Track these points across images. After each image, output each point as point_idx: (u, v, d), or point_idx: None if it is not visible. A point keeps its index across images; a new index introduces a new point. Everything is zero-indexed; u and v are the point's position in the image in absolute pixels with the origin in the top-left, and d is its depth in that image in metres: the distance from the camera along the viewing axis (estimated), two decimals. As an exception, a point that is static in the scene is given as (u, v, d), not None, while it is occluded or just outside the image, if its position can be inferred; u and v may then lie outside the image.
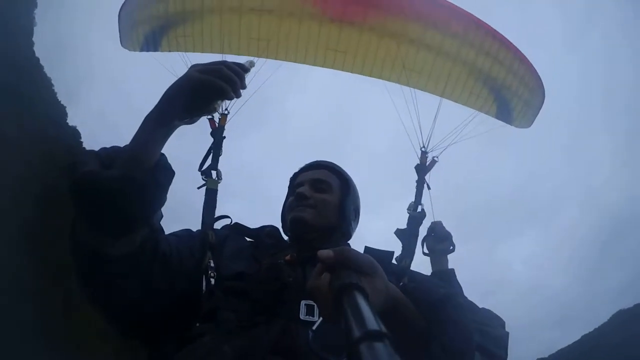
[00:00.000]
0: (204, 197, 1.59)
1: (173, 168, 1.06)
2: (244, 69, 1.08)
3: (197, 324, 1.07)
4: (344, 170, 1.56)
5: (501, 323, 1.40)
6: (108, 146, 1.05)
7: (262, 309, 1.06)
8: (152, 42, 2.61)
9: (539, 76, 2.57)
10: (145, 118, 1.02)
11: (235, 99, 1.09)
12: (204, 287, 1.15)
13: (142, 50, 2.66)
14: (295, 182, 1.51)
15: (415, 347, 0.89)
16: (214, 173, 1.65)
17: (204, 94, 1.02)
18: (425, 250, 2.19)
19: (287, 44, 2.17)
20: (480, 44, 2.33)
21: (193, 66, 1.07)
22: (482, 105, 2.39)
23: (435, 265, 2.16)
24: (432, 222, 2.26)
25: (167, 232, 1.19)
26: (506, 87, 2.43)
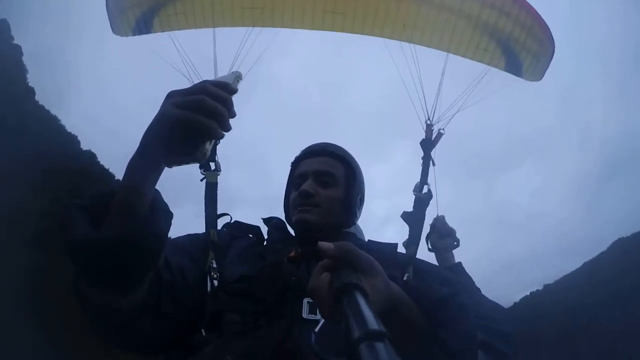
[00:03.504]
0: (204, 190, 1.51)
1: (169, 207, 0.96)
2: (230, 91, 0.86)
3: (202, 330, 1.06)
4: (348, 154, 1.48)
5: (508, 317, 1.35)
6: (97, 191, 0.94)
7: (266, 308, 1.05)
8: (143, 25, 2.53)
9: (547, 27, 2.46)
10: (128, 164, 0.88)
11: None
12: (208, 288, 1.13)
13: (134, 34, 2.58)
14: (297, 172, 1.43)
15: (415, 346, 0.88)
16: (212, 165, 1.55)
17: (187, 135, 0.81)
18: (430, 247, 2.19)
19: (282, 9, 2.08)
20: (483, -5, 2.22)
21: (168, 96, 0.86)
22: (490, 59, 2.29)
23: (442, 262, 2.16)
24: (434, 219, 2.24)
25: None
26: (514, 39, 2.32)
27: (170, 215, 0.95)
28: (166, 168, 0.90)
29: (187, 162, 0.89)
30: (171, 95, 0.86)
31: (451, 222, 2.37)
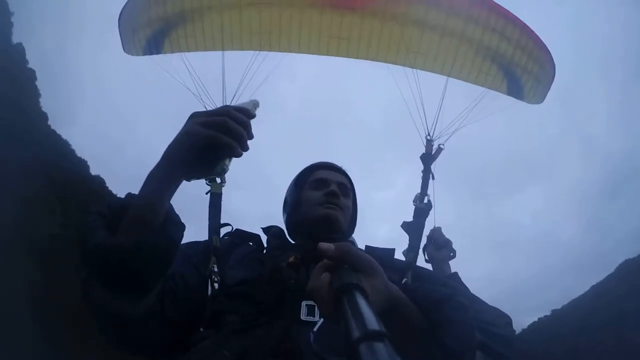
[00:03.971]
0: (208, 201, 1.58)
1: (182, 220, 1.01)
2: (249, 116, 0.95)
3: (201, 329, 1.08)
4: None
5: (508, 321, 1.38)
6: (114, 201, 1.01)
7: (265, 310, 1.07)
8: (154, 46, 2.61)
9: (548, 50, 2.51)
10: (148, 175, 0.94)
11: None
12: (209, 291, 1.16)
13: (144, 54, 2.66)
14: (316, 177, 1.51)
15: (415, 347, 0.88)
16: (218, 178, 1.64)
17: (208, 152, 0.90)
18: (427, 258, 2.23)
19: (289, 35, 2.14)
20: (485, 20, 2.28)
21: (193, 116, 0.94)
22: (492, 83, 2.34)
23: (438, 273, 2.17)
24: (431, 230, 2.29)
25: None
26: (515, 63, 2.37)
27: (182, 227, 1.00)
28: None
29: (206, 176, 0.98)
30: (195, 115, 0.94)
31: (454, 241, 2.40)
